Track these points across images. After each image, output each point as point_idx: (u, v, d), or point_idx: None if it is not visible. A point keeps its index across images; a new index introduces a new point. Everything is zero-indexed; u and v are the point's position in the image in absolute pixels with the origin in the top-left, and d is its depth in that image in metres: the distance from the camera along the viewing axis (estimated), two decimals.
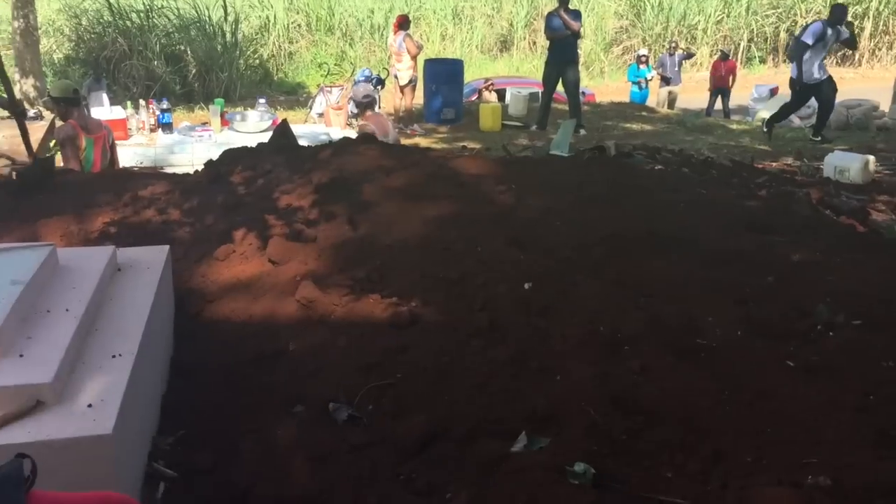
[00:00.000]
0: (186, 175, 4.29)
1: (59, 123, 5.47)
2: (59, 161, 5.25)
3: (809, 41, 8.78)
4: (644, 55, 16.11)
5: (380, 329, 2.60)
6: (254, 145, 4.49)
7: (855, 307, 2.72)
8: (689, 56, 16.21)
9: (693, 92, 17.50)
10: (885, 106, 11.72)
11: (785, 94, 14.16)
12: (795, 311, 2.70)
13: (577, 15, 10.68)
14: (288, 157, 4.13)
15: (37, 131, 6.43)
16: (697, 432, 2.06)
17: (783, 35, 23.08)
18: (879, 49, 21.99)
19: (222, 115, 7.50)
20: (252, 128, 7.30)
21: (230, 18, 18.93)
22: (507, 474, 1.92)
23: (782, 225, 3.59)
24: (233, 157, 4.18)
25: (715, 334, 2.58)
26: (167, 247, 2.66)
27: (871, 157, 6.32)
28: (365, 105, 6.33)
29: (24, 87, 13.86)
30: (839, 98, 13.03)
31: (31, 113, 9.44)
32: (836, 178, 6.02)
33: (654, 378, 2.31)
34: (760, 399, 2.20)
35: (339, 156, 4.12)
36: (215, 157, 4.41)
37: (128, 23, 17.99)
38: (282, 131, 4.45)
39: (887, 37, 21.92)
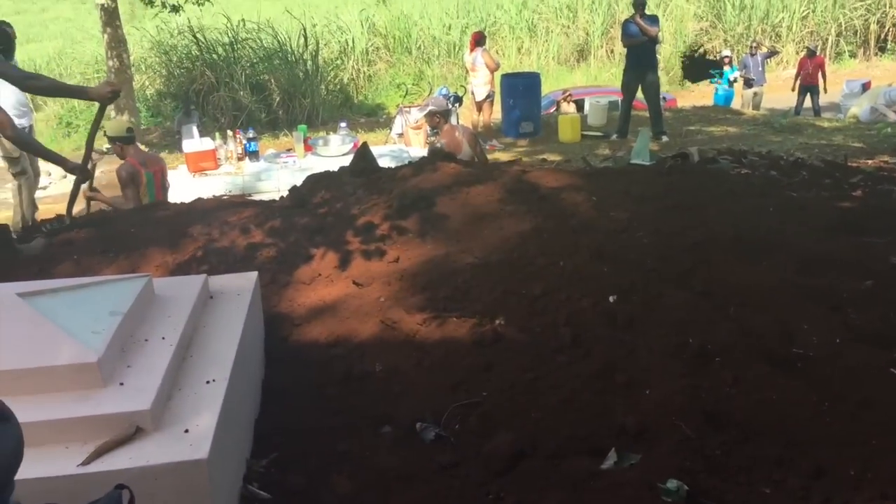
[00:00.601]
0: (272, 201, 4.41)
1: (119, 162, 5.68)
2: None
3: None
4: (727, 56, 15.71)
5: (464, 347, 2.61)
6: (335, 169, 4.59)
7: None
8: (773, 54, 15.73)
9: (780, 91, 16.95)
10: None
11: (878, 86, 13.61)
12: None
13: (654, 20, 10.51)
14: (368, 180, 4.20)
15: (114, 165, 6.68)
16: (796, 446, 1.99)
17: (873, 27, 22.14)
18: None
19: (305, 141, 7.68)
20: (334, 151, 7.45)
21: (310, 46, 19.44)
22: (597, 492, 1.89)
23: (879, 226, 3.43)
24: (315, 182, 4.28)
25: (811, 342, 2.48)
26: (255, 273, 2.74)
27: None
28: (437, 117, 6.33)
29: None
30: None
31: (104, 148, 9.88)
32: None
33: (748, 390, 2.24)
34: (863, 409, 2.11)
35: (417, 175, 4.16)
36: (299, 182, 4.53)
37: (214, 56, 18.68)
38: (362, 155, 4.53)
39: None
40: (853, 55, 22.11)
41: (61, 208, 5.07)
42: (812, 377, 2.28)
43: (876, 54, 22.14)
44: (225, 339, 2.22)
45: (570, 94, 14.33)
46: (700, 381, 2.29)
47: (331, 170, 4.55)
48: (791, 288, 2.80)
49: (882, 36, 22.22)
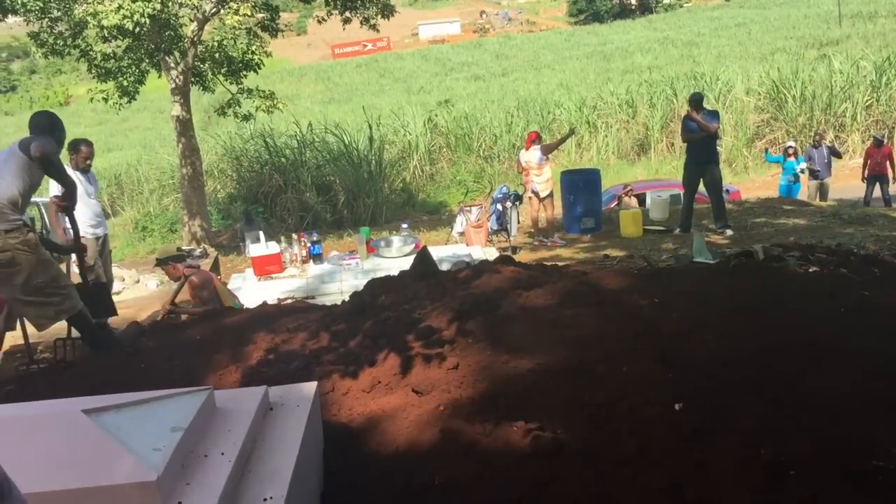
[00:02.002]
0: (334, 306, 4.47)
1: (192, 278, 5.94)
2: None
3: None
4: (792, 147, 15.59)
5: (525, 459, 2.54)
6: (396, 273, 4.64)
7: None
8: (835, 154, 15.51)
9: (847, 180, 16.68)
10: None
11: None
12: None
13: (714, 115, 10.56)
14: (428, 283, 4.23)
15: (201, 266, 6.92)
16: None
17: None
18: None
19: (368, 243, 7.84)
20: (396, 253, 7.58)
21: (374, 147, 20.04)
22: None
23: None
24: (376, 286, 4.34)
25: (891, 454, 2.35)
26: (315, 384, 2.75)
27: None
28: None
29: (191, 227, 15.09)
30: None
31: (197, 252, 10.25)
32: None
33: None
34: None
35: (477, 277, 4.18)
36: (362, 284, 4.60)
37: (283, 159, 19.38)
38: (422, 258, 4.58)
39: None
40: None
41: (133, 314, 5.27)
42: (893, 491, 2.15)
43: None
44: (284, 453, 2.22)
45: (630, 189, 14.36)
46: (775, 497, 2.18)
47: (391, 274, 4.60)
48: (866, 395, 2.67)
49: None
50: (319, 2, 16.50)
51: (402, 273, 4.55)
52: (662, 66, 40.36)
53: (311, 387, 2.72)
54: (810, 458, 2.34)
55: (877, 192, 14.85)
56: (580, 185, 11.88)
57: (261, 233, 7.97)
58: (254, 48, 15.79)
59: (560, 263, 6.51)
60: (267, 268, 7.37)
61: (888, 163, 14.75)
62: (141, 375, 3.41)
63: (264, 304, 5.29)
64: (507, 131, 24.93)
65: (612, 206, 14.21)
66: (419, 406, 2.96)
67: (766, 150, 20.94)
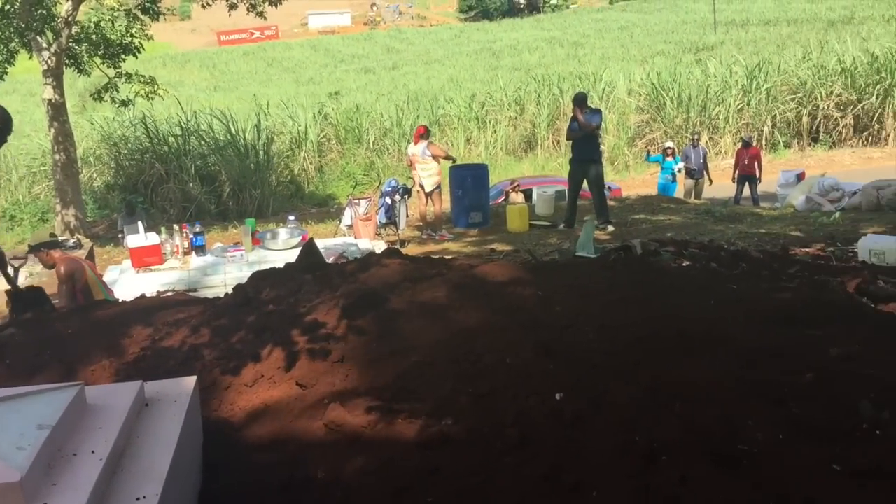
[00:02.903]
0: (216, 298, 4.35)
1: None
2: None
3: None
4: (670, 147, 16.27)
5: (409, 450, 2.55)
6: (282, 265, 4.56)
7: None
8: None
9: (720, 180, 17.56)
10: None
11: (812, 176, 14.18)
12: (837, 410, 2.60)
13: (596, 112, 10.88)
14: (315, 276, 4.17)
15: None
16: None
17: (805, 119, 23.24)
18: None
19: (253, 235, 7.66)
20: (282, 245, 7.44)
21: (262, 137, 19.61)
22: None
23: (818, 317, 3.50)
24: (260, 278, 4.24)
25: (756, 439, 2.48)
26: (194, 378, 2.67)
27: None
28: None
29: (65, 217, 14.36)
30: (868, 179, 13.01)
31: (70, 242, 9.75)
32: (871, 262, 5.92)
33: (696, 489, 2.21)
34: None
35: (365, 271, 4.16)
36: (247, 277, 4.48)
37: (165, 147, 18.69)
38: (308, 250, 4.52)
39: None
40: (788, 146, 23.11)
41: None
42: (758, 475, 2.28)
43: (809, 145, 23.17)
44: (159, 450, 2.14)
45: (517, 184, 14.63)
46: (648, 480, 2.26)
47: (277, 266, 4.52)
48: (734, 382, 2.82)
49: (814, 127, 23.31)
50: None
51: (288, 265, 4.48)
52: (549, 64, 41.30)
53: (189, 382, 2.64)
54: (681, 442, 2.44)
55: (746, 191, 15.70)
56: (468, 180, 12.01)
57: (140, 223, 7.65)
58: (133, 31, 15.16)
59: (448, 257, 6.56)
60: (146, 259, 7.09)
61: (756, 164, 15.62)
62: (5, 371, 3.22)
63: (142, 296, 5.09)
64: (398, 124, 24.93)
65: (500, 201, 14.43)
66: (303, 399, 2.92)
67: (648, 150, 21.80)
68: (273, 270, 4.41)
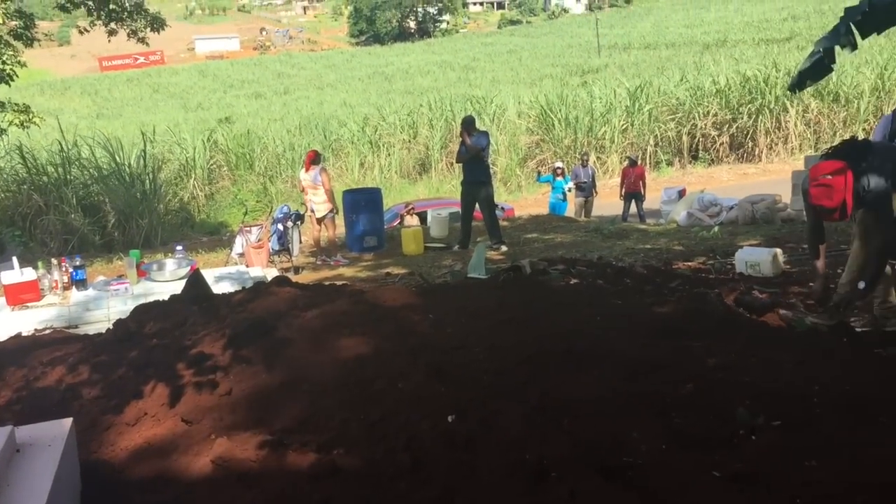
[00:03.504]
0: (97, 335, 4.17)
1: None
2: None
3: None
4: (560, 167, 16.68)
5: (300, 482, 2.50)
6: (167, 297, 4.42)
7: (774, 407, 2.76)
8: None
9: (608, 198, 18.14)
10: (786, 198, 12.29)
11: (693, 193, 14.83)
12: (716, 418, 2.72)
13: (484, 135, 11.04)
14: (202, 307, 4.06)
15: None
16: None
17: (685, 139, 24.33)
18: (776, 144, 23.32)
19: (138, 266, 7.37)
20: (170, 276, 7.18)
21: (149, 164, 18.99)
22: None
23: (697, 329, 3.66)
24: (143, 311, 4.09)
25: (640, 450, 2.56)
26: (70, 420, 2.54)
27: (779, 250, 6.58)
28: None
29: None
30: (744, 194, 13.70)
31: None
32: (748, 273, 6.23)
33: (586, 503, 2.26)
34: None
35: (253, 299, 4.08)
36: (131, 311, 4.31)
37: (44, 178, 17.83)
38: (193, 282, 4.39)
39: (780, 132, 23.29)
40: (670, 164, 24.10)
41: None
42: (642, 486, 2.34)
43: (689, 162, 24.24)
44: (31, 497, 2.03)
45: (412, 207, 14.67)
46: (538, 497, 2.29)
47: (162, 298, 4.37)
48: (619, 396, 2.90)
49: (693, 146, 24.43)
50: (82, 11, 15.44)
51: (173, 297, 4.34)
52: (441, 87, 41.83)
53: (65, 424, 2.51)
54: (570, 458, 2.49)
55: (633, 208, 16.26)
56: (362, 204, 11.96)
57: (14, 258, 7.24)
58: (5, 58, 14.44)
59: (341, 282, 6.51)
60: (22, 296, 6.72)
61: (641, 182, 16.21)
62: None
63: (18, 335, 4.82)
64: (290, 149, 24.67)
65: (395, 224, 14.44)
66: (189, 436, 2.83)
67: (539, 171, 22.31)
68: (157, 303, 4.26)
